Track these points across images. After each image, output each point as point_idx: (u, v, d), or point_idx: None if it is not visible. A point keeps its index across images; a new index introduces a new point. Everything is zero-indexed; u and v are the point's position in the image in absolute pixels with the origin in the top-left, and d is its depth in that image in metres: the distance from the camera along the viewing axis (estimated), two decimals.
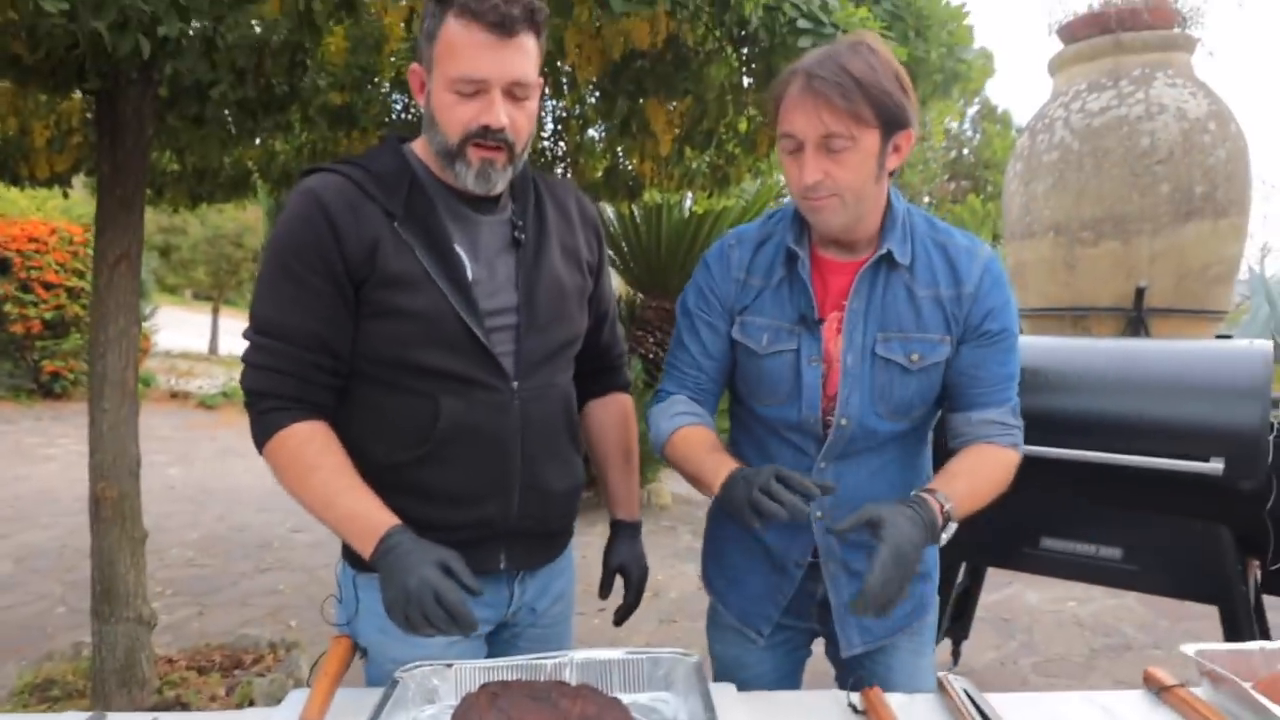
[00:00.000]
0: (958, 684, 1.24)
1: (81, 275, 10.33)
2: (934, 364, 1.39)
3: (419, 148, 1.36)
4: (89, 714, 1.24)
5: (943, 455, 1.47)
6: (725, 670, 1.58)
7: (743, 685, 1.48)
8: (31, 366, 10.40)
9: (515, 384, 1.32)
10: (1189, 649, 1.27)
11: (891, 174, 1.38)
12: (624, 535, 1.57)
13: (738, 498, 1.23)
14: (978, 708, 1.19)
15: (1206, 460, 2.18)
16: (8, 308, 9.81)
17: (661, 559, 5.22)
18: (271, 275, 1.27)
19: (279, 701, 1.26)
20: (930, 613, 1.58)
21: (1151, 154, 5.29)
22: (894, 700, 1.22)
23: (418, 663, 1.19)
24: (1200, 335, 4.90)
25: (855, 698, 1.23)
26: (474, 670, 1.19)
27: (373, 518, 1.21)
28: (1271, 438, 2.21)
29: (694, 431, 1.43)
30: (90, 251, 10.23)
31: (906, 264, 1.39)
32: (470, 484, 1.31)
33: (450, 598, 1.11)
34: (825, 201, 1.31)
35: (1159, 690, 1.27)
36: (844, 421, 1.39)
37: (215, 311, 18.69)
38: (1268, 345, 2.33)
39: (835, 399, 1.39)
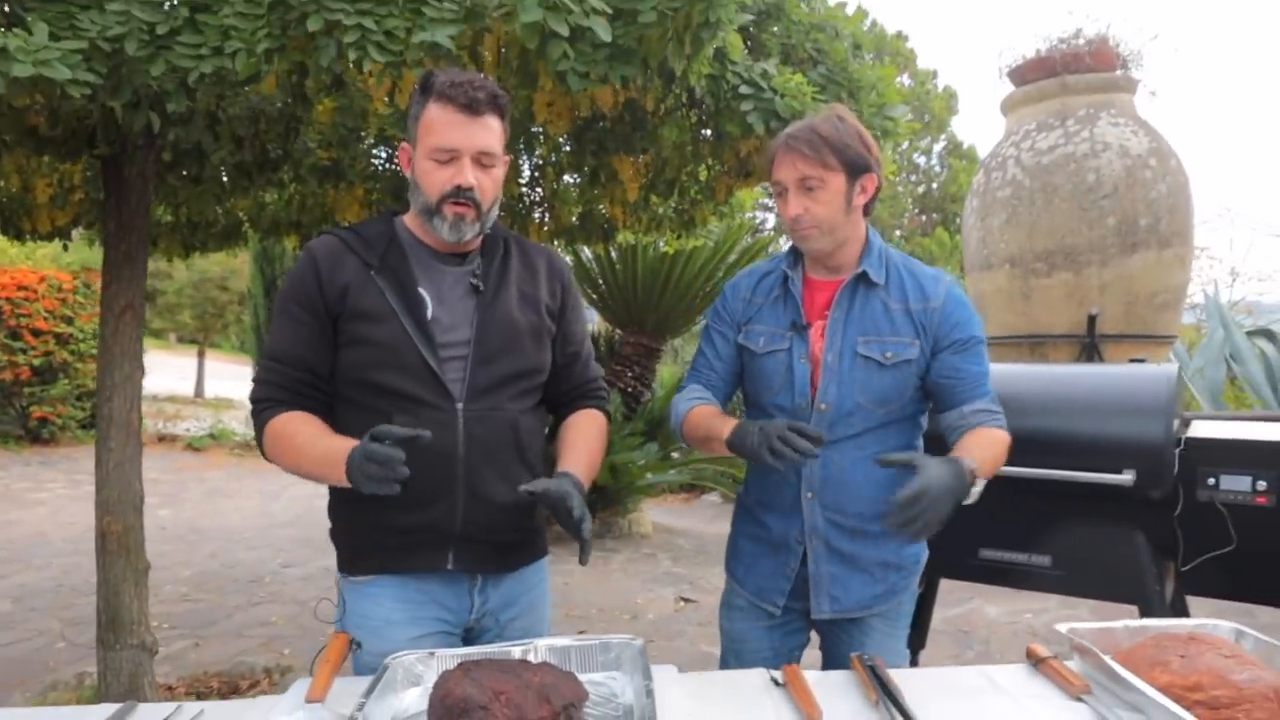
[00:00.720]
0: (865, 661, 1.46)
1: (70, 322, 10.49)
2: (905, 360, 1.72)
3: (407, 217, 1.65)
4: (120, 705, 1.44)
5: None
6: (732, 645, 1.88)
7: (747, 659, 1.80)
8: (20, 412, 10.50)
9: (460, 405, 1.56)
10: (1062, 627, 1.50)
11: (867, 212, 1.75)
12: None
13: (752, 443, 1.57)
14: (880, 680, 1.40)
15: (1119, 472, 2.43)
16: None
17: (642, 583, 5.40)
18: (276, 314, 1.60)
19: None
20: (904, 599, 1.85)
21: (1097, 189, 5.59)
22: (810, 676, 1.43)
23: (404, 652, 1.40)
24: (1151, 359, 5.15)
25: (778, 674, 1.45)
26: (452, 657, 1.39)
27: (340, 450, 1.43)
28: (1177, 451, 2.45)
29: (703, 408, 1.82)
30: (79, 299, 10.43)
31: (881, 283, 1.74)
32: (419, 490, 1.50)
33: (374, 449, 1.35)
34: (808, 231, 1.70)
35: (1036, 662, 1.49)
36: (823, 406, 1.72)
37: (201, 355, 18.79)
38: (1173, 368, 2.58)
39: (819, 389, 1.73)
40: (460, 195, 1.53)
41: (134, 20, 1.93)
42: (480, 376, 1.58)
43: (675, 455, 7.58)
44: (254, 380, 1.60)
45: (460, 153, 1.52)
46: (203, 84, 1.98)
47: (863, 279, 1.74)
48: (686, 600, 5.05)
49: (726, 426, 1.68)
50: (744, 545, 1.90)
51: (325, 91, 2.34)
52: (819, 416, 1.72)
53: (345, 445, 1.43)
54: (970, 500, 1.58)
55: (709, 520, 8.45)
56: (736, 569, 1.92)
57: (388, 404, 1.54)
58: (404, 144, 1.60)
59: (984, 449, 1.65)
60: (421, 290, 1.57)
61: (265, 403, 1.58)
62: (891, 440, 1.77)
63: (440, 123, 1.51)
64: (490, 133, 1.54)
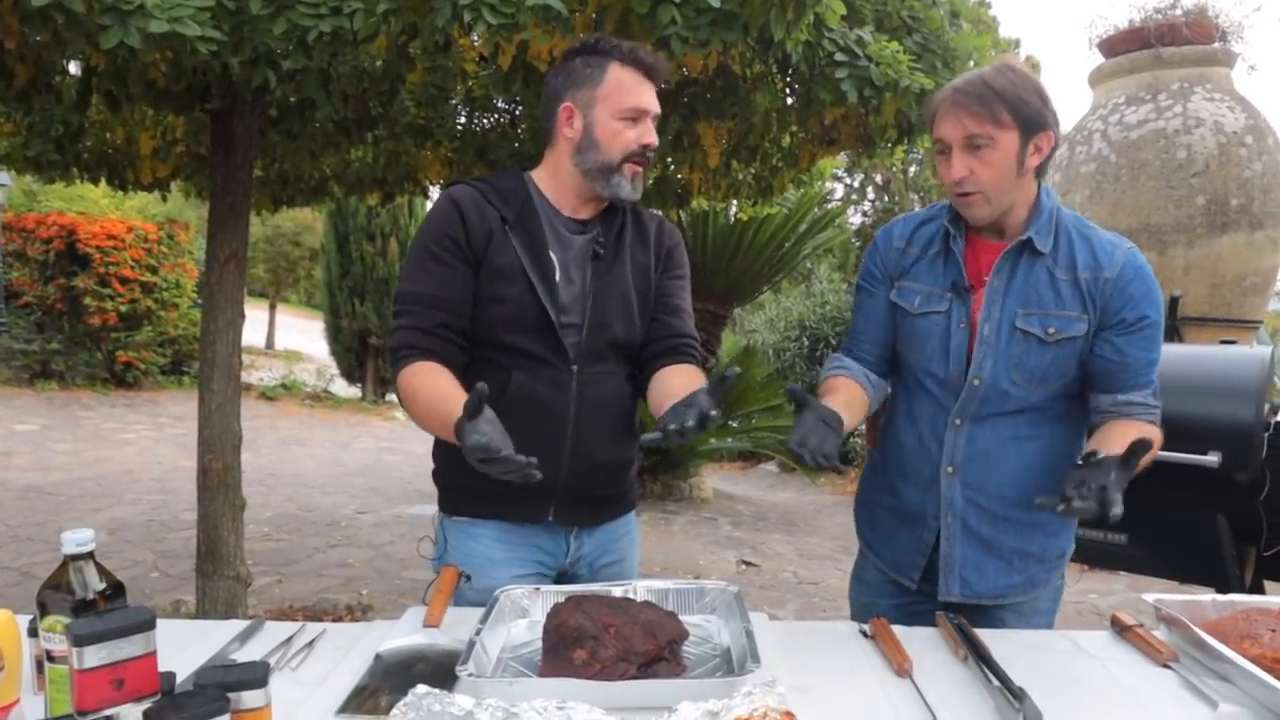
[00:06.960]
0: (952, 619, 1.50)
1: (155, 271, 10.88)
2: (1069, 338, 1.57)
3: (538, 175, 1.68)
4: (249, 621, 1.56)
5: None
6: (861, 618, 1.73)
7: None
8: (107, 357, 10.97)
9: (575, 367, 1.61)
10: (1149, 597, 1.52)
11: (1040, 173, 1.59)
12: None
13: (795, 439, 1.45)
14: (967, 636, 1.44)
15: (1204, 453, 2.40)
16: (87, 301, 10.36)
17: (703, 545, 5.50)
18: (413, 256, 1.62)
19: None
20: (1041, 594, 1.72)
21: (1188, 166, 5.42)
22: (897, 630, 1.48)
23: (512, 586, 1.49)
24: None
25: (867, 627, 1.50)
26: (556, 593, 1.48)
27: (455, 412, 1.38)
28: (1266, 435, 2.42)
29: (832, 380, 1.71)
30: (164, 249, 10.79)
31: (1048, 250, 1.58)
32: (528, 443, 1.51)
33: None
34: (971, 198, 1.55)
35: (1121, 629, 1.52)
36: (976, 381, 1.61)
37: (272, 308, 19.34)
38: (1266, 350, 2.53)
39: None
40: (644, 154, 1.60)
41: None
42: (595, 342, 1.62)
43: (734, 424, 7.63)
44: (394, 326, 1.60)
45: (647, 113, 1.59)
46: (320, 43, 2.07)
47: (1027, 246, 1.59)
48: (748, 564, 5.13)
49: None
50: (880, 515, 1.81)
51: (433, 53, 2.41)
52: (970, 390, 1.61)
53: (457, 410, 1.39)
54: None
55: (766, 489, 8.51)
56: (870, 537, 1.84)
57: (510, 360, 1.60)
58: (566, 104, 1.60)
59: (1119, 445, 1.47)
60: (551, 253, 1.62)
61: (405, 349, 1.57)
62: (1052, 427, 1.65)
63: (633, 85, 1.57)
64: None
